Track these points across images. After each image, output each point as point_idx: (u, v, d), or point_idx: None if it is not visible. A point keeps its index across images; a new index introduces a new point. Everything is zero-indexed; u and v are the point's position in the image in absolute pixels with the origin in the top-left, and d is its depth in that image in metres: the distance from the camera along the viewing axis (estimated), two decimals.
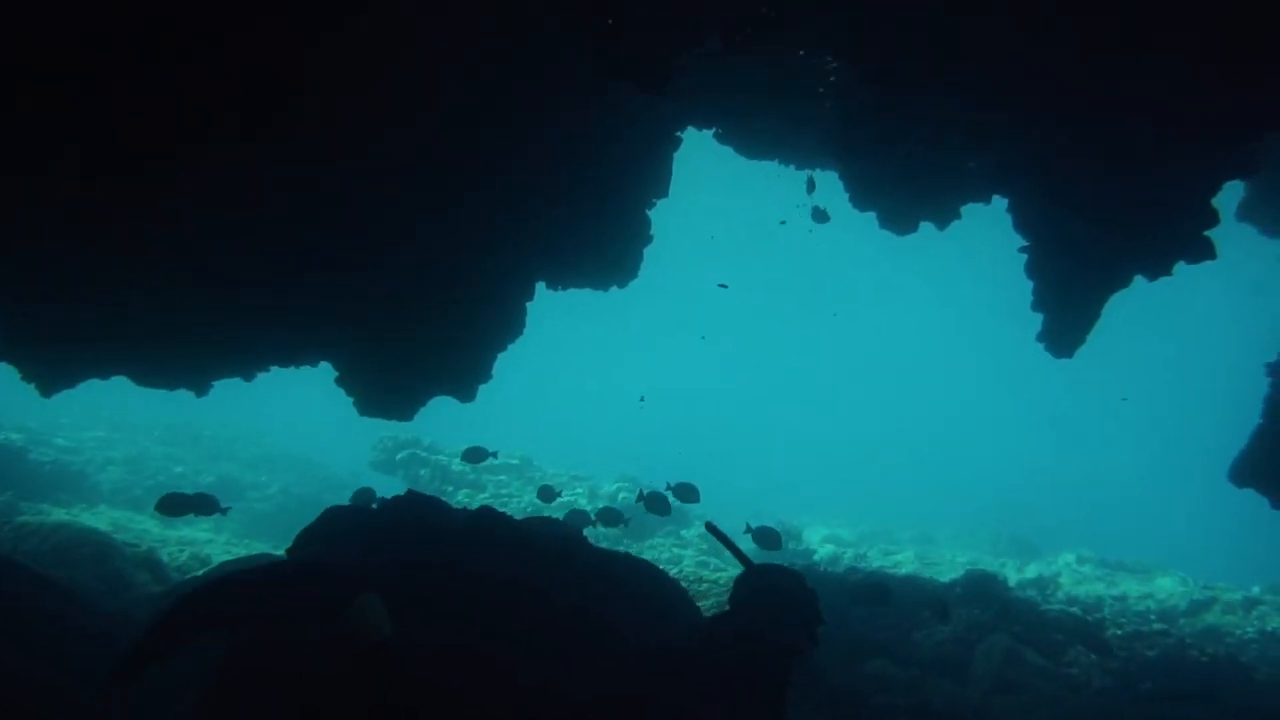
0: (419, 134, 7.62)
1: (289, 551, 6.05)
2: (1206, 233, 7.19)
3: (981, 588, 10.87)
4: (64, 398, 10.26)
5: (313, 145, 6.94)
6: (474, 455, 11.77)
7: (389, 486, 20.79)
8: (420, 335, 9.71)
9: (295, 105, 6.49)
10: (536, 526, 6.33)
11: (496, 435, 22.91)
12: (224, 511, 8.72)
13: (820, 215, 11.29)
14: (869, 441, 59.92)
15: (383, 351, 9.72)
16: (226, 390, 10.29)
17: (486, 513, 5.93)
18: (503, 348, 10.30)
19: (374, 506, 6.67)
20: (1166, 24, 5.95)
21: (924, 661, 10.14)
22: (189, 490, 19.18)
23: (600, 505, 18.45)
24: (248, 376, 10.24)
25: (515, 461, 19.24)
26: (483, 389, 10.86)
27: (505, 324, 10.24)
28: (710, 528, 5.75)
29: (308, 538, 6.04)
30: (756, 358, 67.76)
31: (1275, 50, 5.95)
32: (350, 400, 10.31)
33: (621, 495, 18.43)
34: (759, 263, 52.91)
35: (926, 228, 9.51)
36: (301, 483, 22.88)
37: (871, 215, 9.69)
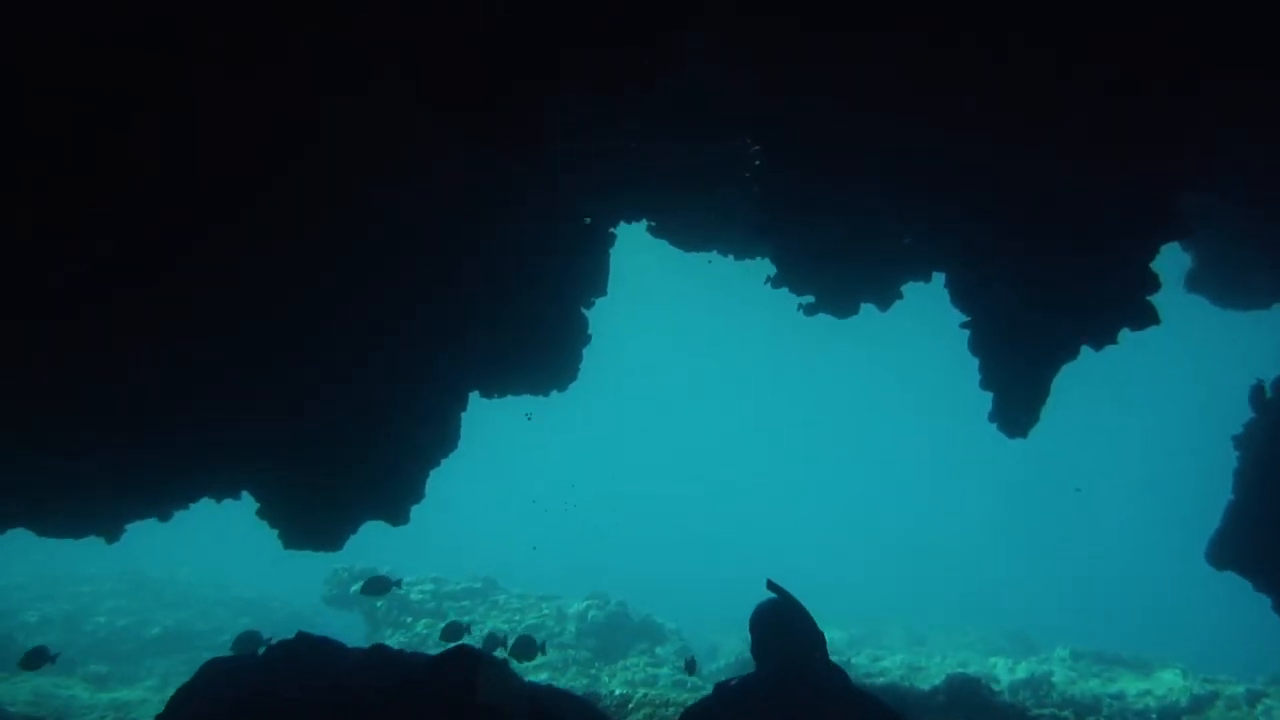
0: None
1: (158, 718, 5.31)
2: (1149, 298, 6.88)
3: (965, 694, 10.06)
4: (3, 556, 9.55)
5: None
6: (375, 586, 10.97)
7: (345, 622, 19.69)
8: (343, 456, 9.14)
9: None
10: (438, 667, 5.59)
11: (459, 560, 21.99)
12: (53, 660, 9.01)
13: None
14: (851, 537, 58.55)
15: (302, 478, 9.11)
16: (183, 533, 9.54)
17: (377, 654, 5.24)
18: (435, 464, 9.72)
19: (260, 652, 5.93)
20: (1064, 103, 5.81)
21: None
22: (132, 645, 18.00)
23: (570, 625, 17.50)
24: (163, 516, 9.57)
25: (478, 585, 18.28)
26: (442, 511, 10.22)
27: (439, 438, 9.69)
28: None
29: (186, 696, 5.31)
30: (725, 455, 66.50)
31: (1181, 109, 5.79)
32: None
33: (591, 614, 17.47)
34: (724, 349, 52.10)
35: (869, 310, 9.19)
36: (257, 625, 21.61)
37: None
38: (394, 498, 9.40)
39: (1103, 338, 6.84)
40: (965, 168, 6.47)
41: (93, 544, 9.55)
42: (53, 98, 4.93)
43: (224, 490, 9.47)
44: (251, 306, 7.30)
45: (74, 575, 21.81)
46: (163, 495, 9.14)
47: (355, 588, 17.61)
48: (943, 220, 6.70)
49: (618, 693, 10.82)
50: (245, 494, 9.62)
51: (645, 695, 10.97)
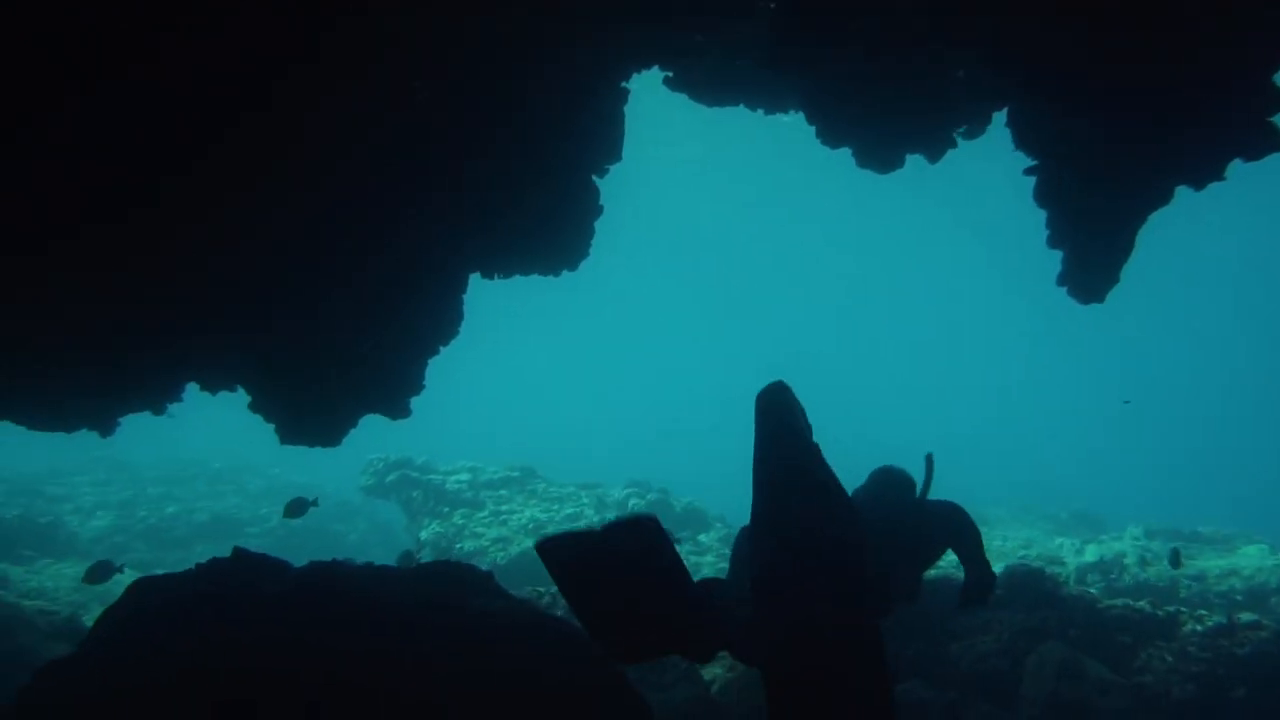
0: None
1: (81, 645, 4.70)
2: (1273, 119, 5.45)
3: (1025, 587, 9.15)
4: (66, 443, 9.34)
5: None
6: (294, 509, 10.51)
7: (381, 511, 19.65)
8: (336, 345, 8.38)
9: None
10: (399, 582, 4.84)
11: (496, 448, 21.67)
12: (120, 569, 7.68)
13: None
14: (913, 416, 56.56)
15: (296, 369, 8.40)
16: (230, 422, 9.22)
17: (318, 571, 4.48)
18: (434, 352, 8.91)
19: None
20: None
21: (963, 681, 8.51)
22: (183, 531, 18.21)
23: (609, 514, 17.06)
24: (157, 409, 9.02)
25: (516, 474, 17.84)
26: (479, 400, 9.53)
27: (436, 324, 8.85)
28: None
29: (109, 621, 4.68)
30: (780, 333, 63.83)
31: None
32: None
33: (632, 502, 16.95)
34: (762, 212, 48.88)
35: (916, 161, 7.86)
36: (308, 513, 21.82)
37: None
38: (389, 389, 8.68)
39: (1205, 172, 5.47)
40: None
41: (145, 432, 9.22)
42: None
43: (215, 380, 8.85)
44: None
45: (126, 462, 22.17)
46: (148, 387, 8.56)
47: (391, 477, 17.40)
48: (1006, 28, 5.31)
49: None
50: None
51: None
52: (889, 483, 6.17)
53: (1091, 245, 6.15)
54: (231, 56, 5.64)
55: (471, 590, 4.84)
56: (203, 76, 5.58)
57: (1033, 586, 9.20)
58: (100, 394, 8.13)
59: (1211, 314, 54.91)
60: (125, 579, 13.82)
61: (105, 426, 8.95)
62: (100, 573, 9.26)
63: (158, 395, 8.77)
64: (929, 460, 6.06)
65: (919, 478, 6.20)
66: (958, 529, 5.80)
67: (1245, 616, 9.00)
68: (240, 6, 5.15)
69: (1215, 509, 26.99)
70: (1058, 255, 6.99)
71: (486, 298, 11.18)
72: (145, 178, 6.11)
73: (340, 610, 3.96)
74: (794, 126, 9.50)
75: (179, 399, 9.14)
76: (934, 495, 6.25)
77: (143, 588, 4.77)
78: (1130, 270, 6.89)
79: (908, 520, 5.74)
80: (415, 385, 8.83)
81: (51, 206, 5.87)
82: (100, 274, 6.54)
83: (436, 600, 4.47)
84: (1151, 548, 14.83)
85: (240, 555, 4.74)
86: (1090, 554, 14.21)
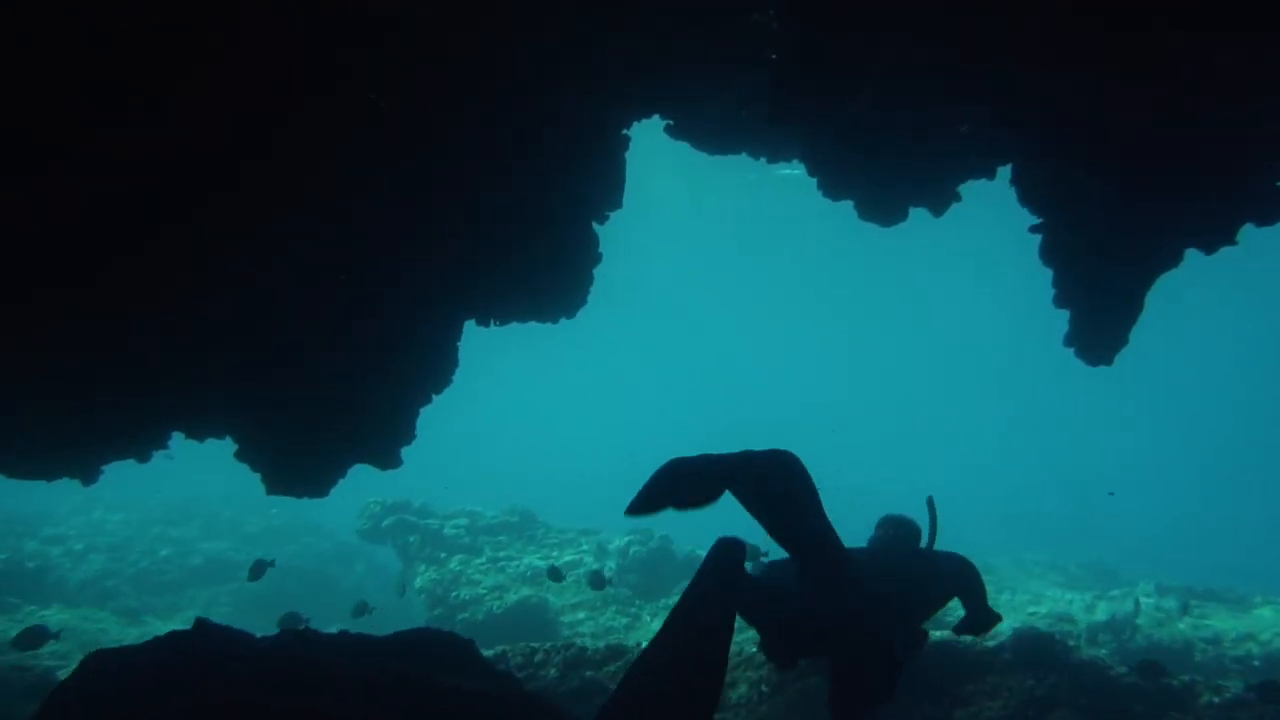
0: None
1: None
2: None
3: (1036, 653, 8.81)
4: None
5: None
6: (255, 572, 10.08)
7: (380, 552, 19.32)
8: (326, 394, 8.19)
9: None
10: (372, 654, 4.58)
11: (494, 492, 21.34)
12: (56, 636, 7.28)
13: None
14: (912, 456, 55.65)
15: (283, 418, 8.21)
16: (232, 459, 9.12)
17: (283, 645, 4.25)
18: (427, 400, 8.72)
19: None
20: None
21: None
22: (175, 574, 17.84)
23: (609, 562, 16.70)
24: (142, 457, 8.82)
25: (515, 519, 17.55)
26: (479, 444, 9.30)
27: (430, 371, 8.66)
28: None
29: (63, 697, 4.44)
30: (769, 376, 63.21)
31: None
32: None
33: (633, 549, 16.62)
34: (750, 260, 48.27)
35: (921, 215, 7.71)
36: (304, 554, 21.51)
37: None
38: (381, 439, 8.48)
39: (1217, 235, 5.29)
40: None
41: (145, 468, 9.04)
42: None
43: (201, 429, 8.65)
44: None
45: (123, 502, 21.87)
46: (133, 435, 8.36)
47: (388, 521, 17.12)
48: (1012, 87, 5.16)
49: (644, 646, 9.85)
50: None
51: None
52: (899, 535, 6.27)
53: (1099, 306, 5.96)
54: (225, 112, 5.55)
55: (450, 664, 4.59)
56: (194, 125, 5.47)
57: (1044, 649, 8.86)
58: (81, 444, 7.95)
59: (1224, 358, 54.39)
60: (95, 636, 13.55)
61: (87, 475, 8.77)
62: (30, 639, 8.72)
63: (144, 443, 8.59)
64: (930, 505, 6.18)
65: (922, 523, 6.30)
66: (966, 583, 5.99)
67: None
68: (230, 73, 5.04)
69: (1227, 557, 26.42)
70: (1049, 275, 6.77)
71: (485, 340, 11.02)
72: (134, 225, 6.00)
73: (297, 701, 3.72)
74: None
75: (165, 447, 8.96)
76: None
77: (96, 662, 4.53)
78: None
79: (915, 570, 5.92)
80: (407, 435, 8.62)
81: (33, 253, 5.74)
82: (81, 322, 6.40)
83: (412, 674, 4.22)
84: (1164, 605, 14.43)
85: (202, 626, 4.50)
86: (1101, 612, 13.83)
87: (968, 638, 10.43)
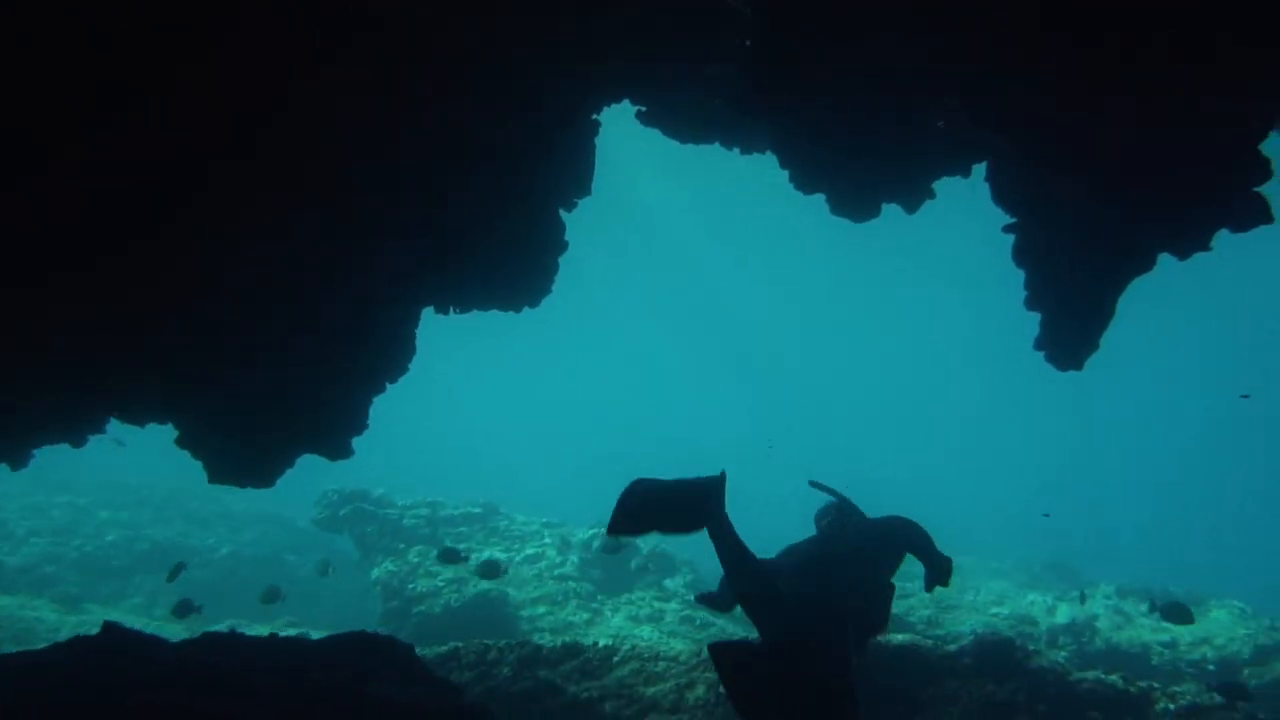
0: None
1: None
2: (1258, 189, 5.15)
3: (996, 657, 8.74)
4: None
5: None
6: (173, 574, 9.79)
7: (335, 545, 18.93)
8: (273, 381, 7.86)
9: None
10: (304, 658, 4.31)
11: (457, 484, 21.06)
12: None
13: None
14: (878, 455, 55.52)
15: (227, 405, 7.87)
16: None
17: (202, 652, 3.97)
18: (381, 389, 8.42)
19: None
20: None
21: None
22: (122, 560, 17.33)
23: (573, 555, 16.48)
24: (77, 442, 8.44)
25: (476, 510, 17.25)
26: (442, 435, 9.00)
27: (385, 360, 8.36)
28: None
29: None
30: (737, 370, 63.04)
31: None
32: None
33: (596, 543, 16.42)
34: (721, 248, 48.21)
35: (893, 211, 7.53)
36: (260, 542, 21.05)
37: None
38: (331, 428, 8.17)
39: (1192, 241, 5.16)
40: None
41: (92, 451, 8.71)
42: None
43: (139, 414, 8.27)
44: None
45: (70, 483, 21.21)
46: (68, 418, 7.98)
47: (345, 510, 16.76)
48: (989, 86, 4.97)
49: (601, 644, 9.63)
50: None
51: (633, 648, 9.79)
52: (841, 517, 7.30)
53: (1071, 311, 5.81)
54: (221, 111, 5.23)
55: (384, 673, 4.33)
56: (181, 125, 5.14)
57: (1004, 654, 8.80)
58: (11, 426, 7.58)
59: (1190, 358, 55.05)
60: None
61: (17, 459, 8.40)
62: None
63: (81, 427, 8.22)
64: (819, 485, 7.38)
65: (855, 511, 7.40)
66: (911, 535, 6.79)
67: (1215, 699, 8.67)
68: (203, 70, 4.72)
69: (1190, 556, 26.69)
70: (1019, 278, 6.64)
71: (444, 329, 10.70)
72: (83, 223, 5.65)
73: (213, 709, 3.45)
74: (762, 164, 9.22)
75: (102, 430, 8.59)
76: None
77: None
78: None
79: (872, 536, 6.93)
80: (359, 424, 8.32)
81: None
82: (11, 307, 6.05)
83: (338, 684, 3.97)
84: (1123, 608, 14.50)
85: (111, 631, 4.21)
86: (1062, 614, 13.86)
87: (928, 641, 10.36)
